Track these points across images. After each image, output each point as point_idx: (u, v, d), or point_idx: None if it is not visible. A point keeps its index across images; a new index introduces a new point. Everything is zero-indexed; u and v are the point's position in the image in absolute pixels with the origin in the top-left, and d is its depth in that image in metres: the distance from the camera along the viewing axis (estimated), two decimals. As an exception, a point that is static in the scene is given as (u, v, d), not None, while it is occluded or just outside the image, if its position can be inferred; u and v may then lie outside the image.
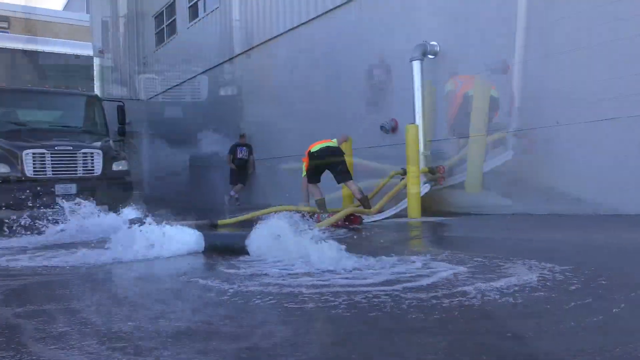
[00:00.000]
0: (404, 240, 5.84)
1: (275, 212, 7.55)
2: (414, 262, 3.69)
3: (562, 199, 6.84)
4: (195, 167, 17.14)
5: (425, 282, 3.06)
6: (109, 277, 3.90)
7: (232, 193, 13.69)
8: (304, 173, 8.15)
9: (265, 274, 3.40)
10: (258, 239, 4.25)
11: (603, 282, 2.92)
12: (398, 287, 2.96)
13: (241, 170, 13.65)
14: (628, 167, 6.30)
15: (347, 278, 3.24)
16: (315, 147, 8.03)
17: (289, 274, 3.35)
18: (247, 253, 4.32)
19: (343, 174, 7.70)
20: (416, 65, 8.51)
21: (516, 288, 2.81)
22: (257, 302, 2.74)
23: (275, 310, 2.58)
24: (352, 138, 9.18)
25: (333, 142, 8.03)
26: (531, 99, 7.32)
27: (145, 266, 4.26)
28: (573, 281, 2.93)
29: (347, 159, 8.99)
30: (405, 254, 4.09)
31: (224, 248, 4.69)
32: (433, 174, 8.34)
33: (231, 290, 3.01)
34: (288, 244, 4.02)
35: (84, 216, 7.07)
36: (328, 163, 7.76)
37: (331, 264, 3.62)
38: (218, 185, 14.99)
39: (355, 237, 5.82)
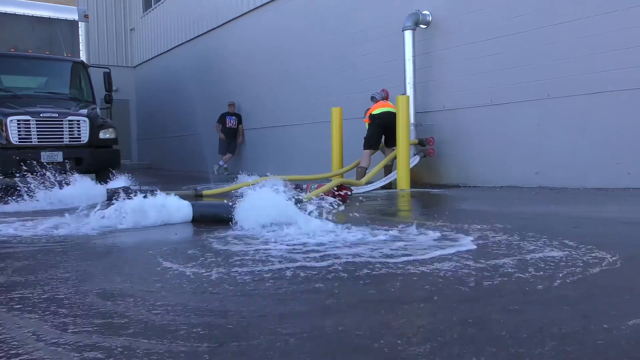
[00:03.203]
0: (388, 211, 5.85)
1: (260, 182, 7.58)
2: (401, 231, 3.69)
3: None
4: (183, 136, 16.96)
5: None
6: (104, 247, 3.86)
7: (220, 163, 13.62)
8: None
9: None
10: (245, 211, 4.22)
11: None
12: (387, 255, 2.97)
13: (230, 139, 13.54)
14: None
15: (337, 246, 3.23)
16: (377, 110, 8.12)
17: (288, 249, 3.29)
18: (235, 223, 4.28)
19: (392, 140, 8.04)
20: (408, 34, 8.39)
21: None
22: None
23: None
24: (342, 109, 9.12)
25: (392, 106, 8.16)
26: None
27: (138, 236, 4.23)
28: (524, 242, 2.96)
29: (336, 127, 8.99)
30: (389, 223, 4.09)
31: (212, 218, 4.66)
32: (422, 145, 8.33)
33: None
34: (277, 214, 3.99)
35: (68, 184, 6.93)
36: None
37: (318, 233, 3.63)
38: (207, 155, 14.89)
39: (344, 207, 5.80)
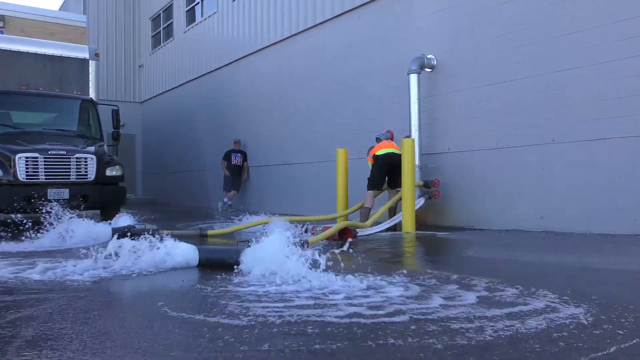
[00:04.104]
0: (396, 257, 5.83)
1: (266, 223, 7.59)
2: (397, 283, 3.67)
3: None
4: (189, 172, 17.05)
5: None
6: (109, 295, 3.85)
7: (225, 200, 13.65)
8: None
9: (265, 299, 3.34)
10: (252, 259, 4.21)
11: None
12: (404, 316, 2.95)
13: (235, 176, 13.61)
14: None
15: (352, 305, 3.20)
16: (381, 151, 8.19)
17: (290, 305, 3.23)
18: (240, 270, 4.27)
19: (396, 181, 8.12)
20: (413, 78, 8.52)
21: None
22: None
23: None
24: (347, 149, 9.19)
25: (395, 147, 8.26)
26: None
27: (136, 284, 4.22)
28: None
29: (341, 168, 9.03)
30: (392, 272, 4.07)
31: (218, 263, 4.65)
32: (428, 187, 8.35)
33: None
34: (284, 265, 3.98)
35: (75, 223, 6.95)
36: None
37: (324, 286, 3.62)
38: (212, 191, 14.95)
39: (353, 254, 5.79)
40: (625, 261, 4.81)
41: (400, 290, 3.51)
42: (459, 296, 3.32)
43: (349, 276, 3.87)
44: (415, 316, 2.86)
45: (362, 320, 2.79)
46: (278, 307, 3.11)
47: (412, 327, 2.65)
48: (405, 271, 4.13)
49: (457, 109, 8.38)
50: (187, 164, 17.10)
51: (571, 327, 2.61)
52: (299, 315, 2.91)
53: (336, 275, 3.87)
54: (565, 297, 3.22)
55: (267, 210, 10.94)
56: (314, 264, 4.07)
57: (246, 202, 13.66)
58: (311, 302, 3.22)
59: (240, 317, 2.90)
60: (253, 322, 2.78)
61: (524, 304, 3.09)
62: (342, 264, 4.05)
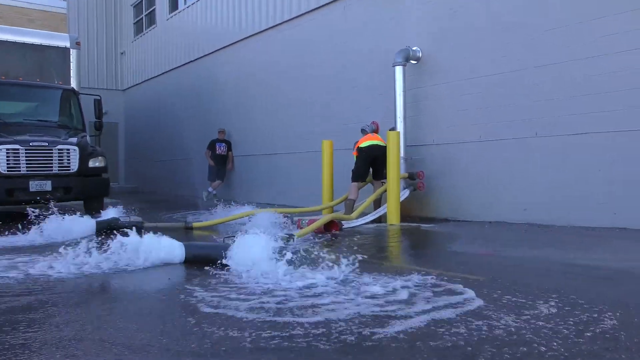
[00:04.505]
0: (381, 253, 5.89)
1: (251, 215, 7.59)
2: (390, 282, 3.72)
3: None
4: (173, 160, 16.93)
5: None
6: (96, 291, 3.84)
7: (209, 189, 13.59)
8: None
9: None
10: (238, 255, 4.22)
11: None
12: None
13: (220, 166, 13.55)
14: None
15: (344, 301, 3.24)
16: (365, 143, 8.21)
17: (281, 308, 3.23)
18: (226, 265, 4.29)
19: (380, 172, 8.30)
20: (399, 70, 8.53)
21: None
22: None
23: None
24: (333, 141, 9.19)
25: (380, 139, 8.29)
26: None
27: (125, 279, 4.21)
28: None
29: (327, 160, 9.04)
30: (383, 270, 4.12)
31: (204, 260, 4.65)
32: (412, 179, 8.41)
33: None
34: (270, 263, 4.00)
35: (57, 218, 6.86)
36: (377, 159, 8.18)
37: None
38: (196, 180, 14.87)
39: (343, 247, 5.83)
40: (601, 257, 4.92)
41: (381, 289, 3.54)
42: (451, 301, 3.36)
43: (330, 272, 3.91)
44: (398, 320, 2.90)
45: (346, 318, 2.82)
46: (263, 305, 3.14)
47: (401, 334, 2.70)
48: (390, 268, 4.17)
49: (443, 102, 8.42)
50: (171, 153, 16.97)
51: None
52: (275, 318, 2.94)
53: (316, 271, 3.92)
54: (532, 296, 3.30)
55: (253, 200, 10.96)
56: (296, 262, 4.11)
57: (231, 192, 13.62)
58: (292, 303, 3.24)
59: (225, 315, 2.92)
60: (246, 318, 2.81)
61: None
62: (326, 260, 4.09)
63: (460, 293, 3.40)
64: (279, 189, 11.87)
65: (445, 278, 3.84)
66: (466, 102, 8.05)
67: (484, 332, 2.61)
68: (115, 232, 5.13)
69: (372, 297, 3.33)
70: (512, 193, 7.45)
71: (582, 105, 6.67)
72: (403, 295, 3.36)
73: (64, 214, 6.91)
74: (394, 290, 3.47)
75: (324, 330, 2.67)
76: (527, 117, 7.27)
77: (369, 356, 2.34)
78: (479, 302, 3.16)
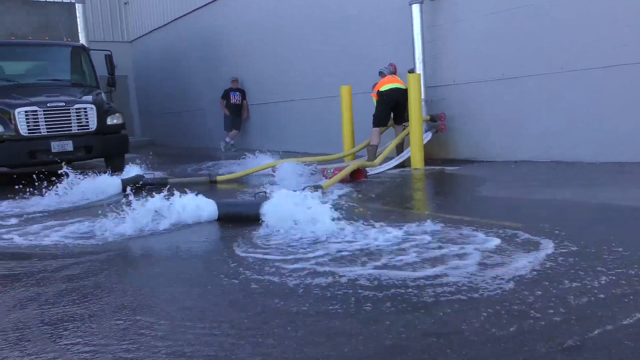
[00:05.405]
0: (409, 201, 5.89)
1: (274, 166, 7.60)
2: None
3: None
4: (187, 112, 16.83)
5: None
6: (141, 258, 3.90)
7: (227, 139, 13.57)
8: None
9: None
10: (274, 213, 4.23)
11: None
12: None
13: (235, 115, 13.46)
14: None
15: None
16: (385, 87, 7.98)
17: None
18: (260, 223, 4.31)
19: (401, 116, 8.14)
20: (416, 8, 8.24)
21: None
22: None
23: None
24: (351, 85, 9.03)
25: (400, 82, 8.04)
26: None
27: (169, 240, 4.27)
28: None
29: (346, 106, 8.92)
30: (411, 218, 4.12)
31: (237, 217, 4.68)
32: (434, 121, 8.29)
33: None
34: (306, 218, 4.02)
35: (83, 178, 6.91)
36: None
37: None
38: (212, 131, 14.84)
39: (362, 196, 5.83)
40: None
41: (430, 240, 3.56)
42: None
43: (371, 226, 3.93)
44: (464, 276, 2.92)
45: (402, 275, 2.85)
46: (317, 263, 3.17)
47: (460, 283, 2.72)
48: (436, 219, 4.18)
49: (462, 39, 8.16)
50: (184, 104, 16.84)
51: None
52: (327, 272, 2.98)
53: (356, 225, 3.94)
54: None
55: (270, 148, 10.91)
56: (334, 214, 4.12)
57: (248, 140, 13.60)
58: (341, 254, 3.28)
59: (271, 275, 2.96)
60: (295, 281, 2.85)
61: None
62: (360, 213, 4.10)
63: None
64: (296, 136, 11.80)
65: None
66: (487, 39, 7.79)
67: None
68: (146, 192, 5.14)
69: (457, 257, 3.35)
70: (537, 131, 7.32)
71: (610, 38, 6.42)
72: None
73: (88, 173, 6.96)
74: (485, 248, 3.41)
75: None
76: (551, 52, 7.04)
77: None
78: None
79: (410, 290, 2.65)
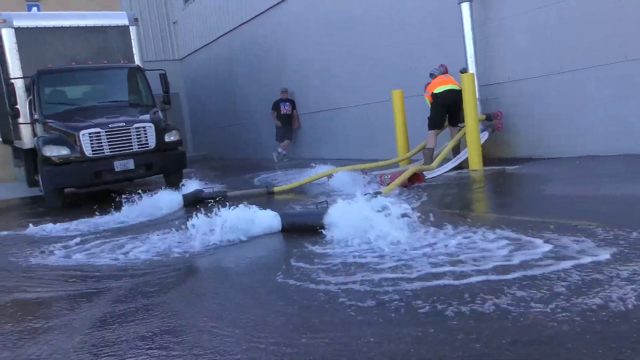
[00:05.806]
0: (469, 202, 5.76)
1: (330, 175, 7.61)
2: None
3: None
4: (238, 124, 17.14)
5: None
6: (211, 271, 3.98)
7: (279, 150, 13.71)
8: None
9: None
10: (338, 222, 4.22)
11: None
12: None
13: (286, 125, 13.59)
14: None
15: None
16: (439, 89, 7.91)
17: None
18: (324, 233, 4.31)
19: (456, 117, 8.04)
20: (465, 7, 8.10)
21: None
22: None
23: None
24: (403, 90, 8.96)
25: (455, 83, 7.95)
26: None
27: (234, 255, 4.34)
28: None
29: (398, 110, 8.86)
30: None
31: (301, 228, 4.71)
32: (490, 120, 8.11)
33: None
34: (372, 227, 3.98)
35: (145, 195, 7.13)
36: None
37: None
38: (264, 142, 15.03)
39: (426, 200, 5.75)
40: None
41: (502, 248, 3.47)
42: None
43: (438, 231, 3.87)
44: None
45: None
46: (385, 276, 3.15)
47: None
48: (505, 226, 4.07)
49: (514, 34, 7.95)
50: (235, 117, 17.15)
51: None
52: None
53: (425, 232, 3.88)
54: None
55: (322, 156, 10.92)
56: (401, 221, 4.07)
57: (299, 150, 13.70)
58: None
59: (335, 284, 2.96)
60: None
61: None
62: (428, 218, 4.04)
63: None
64: (348, 142, 11.79)
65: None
66: (542, 32, 7.56)
67: None
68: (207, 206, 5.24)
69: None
70: (601, 124, 7.02)
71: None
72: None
73: (150, 191, 7.18)
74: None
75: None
76: (614, 41, 6.75)
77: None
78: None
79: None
